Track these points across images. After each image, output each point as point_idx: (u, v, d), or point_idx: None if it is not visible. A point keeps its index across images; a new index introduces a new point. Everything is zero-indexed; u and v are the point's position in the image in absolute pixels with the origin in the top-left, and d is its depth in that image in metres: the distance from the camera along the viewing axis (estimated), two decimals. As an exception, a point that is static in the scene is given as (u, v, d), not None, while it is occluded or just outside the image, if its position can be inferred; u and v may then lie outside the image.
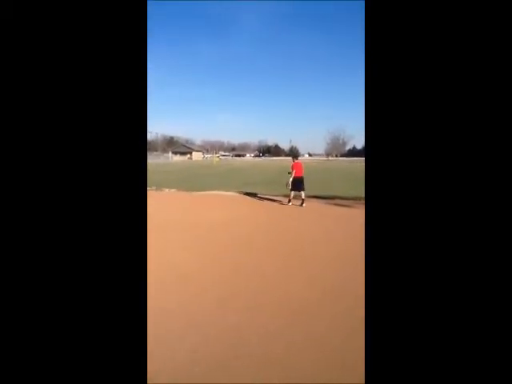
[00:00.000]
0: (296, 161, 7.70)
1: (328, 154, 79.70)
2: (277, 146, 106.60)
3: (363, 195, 1.22)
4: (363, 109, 1.12)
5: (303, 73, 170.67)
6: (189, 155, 69.84)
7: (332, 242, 4.34)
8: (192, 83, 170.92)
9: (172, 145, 76.22)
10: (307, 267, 3.36)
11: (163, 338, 2.05)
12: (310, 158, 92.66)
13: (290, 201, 7.51)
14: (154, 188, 10.53)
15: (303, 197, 7.37)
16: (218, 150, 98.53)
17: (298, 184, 7.40)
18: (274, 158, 66.46)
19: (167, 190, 10.47)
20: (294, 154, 9.36)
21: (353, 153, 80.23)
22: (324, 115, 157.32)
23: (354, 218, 5.75)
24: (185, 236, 4.66)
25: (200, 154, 76.44)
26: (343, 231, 4.97)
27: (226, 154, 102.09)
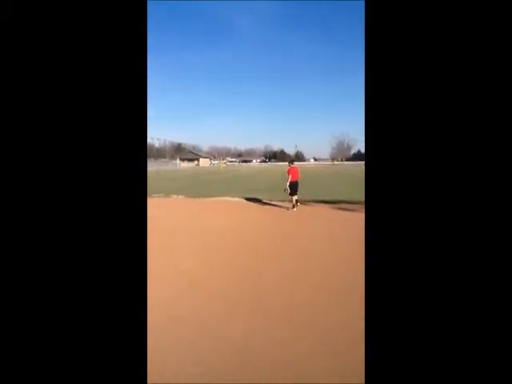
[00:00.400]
0: (292, 165, 7.79)
1: (333, 159, 79.21)
2: (282, 152, 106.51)
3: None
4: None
5: (307, 76, 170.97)
6: (196, 162, 70.29)
7: (336, 249, 4.36)
8: (198, 89, 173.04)
9: (180, 151, 76.90)
10: (312, 273, 3.40)
11: (175, 345, 2.13)
12: (316, 162, 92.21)
13: (294, 206, 7.49)
14: (162, 195, 10.71)
15: (293, 201, 7.48)
16: (225, 156, 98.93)
17: (294, 188, 7.51)
18: (280, 163, 66.47)
19: (175, 196, 10.62)
20: (290, 158, 9.48)
21: (358, 157, 79.47)
22: (328, 119, 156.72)
23: (361, 222, 5.74)
24: (192, 242, 4.75)
25: (207, 160, 76.82)
26: (348, 235, 4.97)
27: (233, 159, 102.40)
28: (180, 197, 10.50)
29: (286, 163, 8.60)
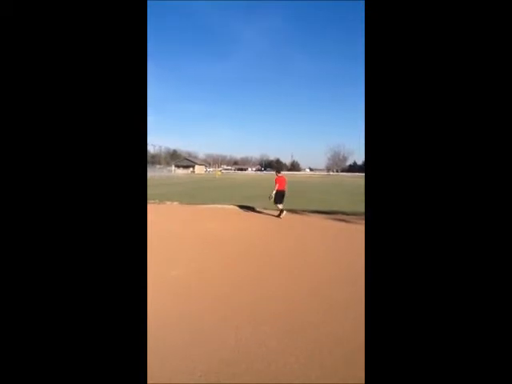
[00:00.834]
0: (279, 175, 7.98)
1: (329, 169, 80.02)
2: (278, 161, 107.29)
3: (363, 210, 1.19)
4: (363, 123, 1.11)
5: (304, 88, 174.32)
6: (192, 168, 70.23)
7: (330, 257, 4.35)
8: (195, 98, 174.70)
9: (175, 158, 76.85)
10: (304, 283, 3.38)
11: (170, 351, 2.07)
12: (311, 172, 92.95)
13: (279, 214, 7.69)
14: (156, 201, 10.62)
15: (281, 207, 7.71)
16: (221, 164, 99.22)
17: (280, 197, 7.72)
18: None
19: (169, 202, 10.54)
20: (276, 168, 9.71)
21: (353, 168, 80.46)
22: (324, 131, 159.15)
23: (357, 234, 5.76)
24: (183, 250, 4.69)
25: (203, 167, 76.87)
26: (342, 245, 4.97)
27: (228, 167, 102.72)
28: (174, 203, 10.43)
29: (282, 172, 8.72)
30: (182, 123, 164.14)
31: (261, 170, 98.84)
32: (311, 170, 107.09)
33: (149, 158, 50.88)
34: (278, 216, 7.64)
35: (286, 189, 8.04)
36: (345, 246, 4.97)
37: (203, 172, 71.59)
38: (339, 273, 3.68)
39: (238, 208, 9.39)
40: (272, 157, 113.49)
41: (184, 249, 4.74)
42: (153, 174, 39.40)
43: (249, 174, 61.56)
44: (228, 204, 10.13)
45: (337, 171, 79.88)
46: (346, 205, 9.90)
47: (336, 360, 1.97)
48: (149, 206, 9.15)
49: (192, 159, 78.02)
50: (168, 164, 69.16)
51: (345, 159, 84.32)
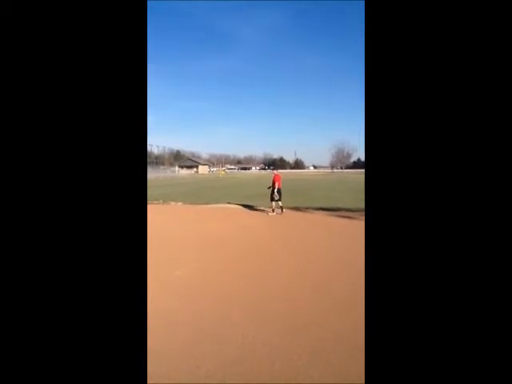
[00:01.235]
0: (276, 173, 8.20)
1: (333, 166, 79.64)
2: (282, 159, 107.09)
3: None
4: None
5: (306, 85, 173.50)
6: (195, 169, 70.49)
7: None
8: (197, 97, 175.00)
9: (179, 158, 77.14)
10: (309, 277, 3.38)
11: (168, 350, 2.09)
12: (315, 170, 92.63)
13: (273, 210, 7.92)
14: (160, 201, 10.69)
15: (274, 206, 7.97)
16: (224, 163, 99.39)
17: (279, 194, 7.91)
18: (280, 170, 67.06)
19: (173, 203, 10.61)
20: (273, 167, 9.90)
21: (358, 165, 79.93)
22: (329, 127, 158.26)
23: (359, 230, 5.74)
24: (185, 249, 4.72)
25: (206, 167, 77.08)
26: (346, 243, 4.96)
27: (232, 167, 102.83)
28: (178, 203, 10.49)
29: (286, 171, 8.81)
30: (184, 123, 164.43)
31: (264, 169, 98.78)
32: (315, 167, 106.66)
33: (153, 159, 51.12)
34: (272, 212, 7.84)
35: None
36: (348, 242, 4.95)
37: (207, 172, 71.77)
38: (342, 270, 3.67)
39: (242, 207, 9.40)
40: (276, 155, 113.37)
41: (187, 248, 4.76)
42: (157, 174, 39.66)
43: (253, 173, 61.64)
44: (233, 203, 10.15)
45: (341, 168, 79.46)
46: (350, 201, 9.85)
47: (340, 358, 1.97)
48: (153, 207, 9.22)
49: (195, 159, 78.27)
50: (172, 165, 69.51)
51: (349, 156, 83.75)
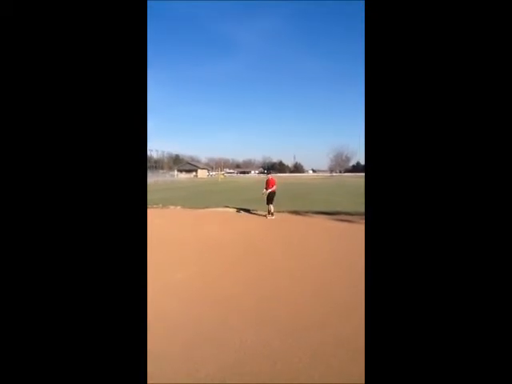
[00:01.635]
0: (271, 177, 8.27)
1: (332, 170, 79.81)
2: (281, 163, 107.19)
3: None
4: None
5: (305, 89, 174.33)
6: (194, 173, 70.45)
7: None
8: (196, 102, 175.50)
9: (178, 163, 77.14)
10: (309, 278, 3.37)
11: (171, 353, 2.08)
12: (314, 174, 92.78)
13: (268, 214, 7.97)
14: (160, 205, 10.68)
15: (273, 210, 8.01)
16: (223, 167, 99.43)
17: (272, 197, 8.00)
18: (279, 174, 66.96)
19: (173, 207, 10.59)
20: (268, 170, 10.02)
21: (357, 169, 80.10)
22: (328, 131, 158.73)
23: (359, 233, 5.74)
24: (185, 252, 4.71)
25: (205, 171, 77.08)
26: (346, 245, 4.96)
27: (231, 171, 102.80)
28: (178, 208, 10.48)
29: (285, 174, 8.85)
30: (183, 127, 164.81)
31: (263, 173, 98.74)
32: (314, 171, 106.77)
33: (152, 163, 51.09)
34: (268, 216, 7.89)
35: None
36: (348, 246, 4.95)
37: (206, 176, 71.70)
38: (342, 274, 3.67)
39: (241, 211, 9.40)
40: (275, 159, 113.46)
41: (187, 252, 4.75)
42: (156, 178, 39.57)
43: (252, 177, 61.63)
44: (232, 207, 10.15)
45: (340, 172, 79.59)
46: (349, 205, 9.86)
47: (341, 361, 1.97)
48: (153, 211, 9.21)
49: (194, 163, 78.28)
50: (171, 169, 69.50)
51: (348, 159, 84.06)
